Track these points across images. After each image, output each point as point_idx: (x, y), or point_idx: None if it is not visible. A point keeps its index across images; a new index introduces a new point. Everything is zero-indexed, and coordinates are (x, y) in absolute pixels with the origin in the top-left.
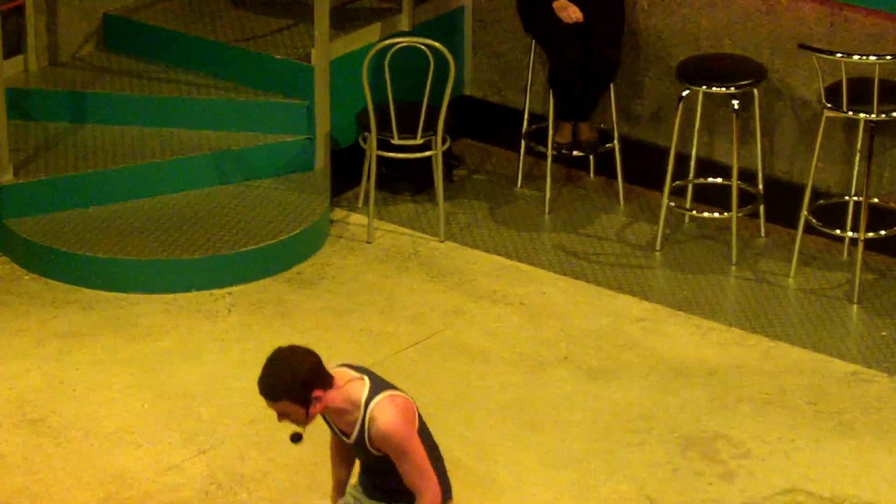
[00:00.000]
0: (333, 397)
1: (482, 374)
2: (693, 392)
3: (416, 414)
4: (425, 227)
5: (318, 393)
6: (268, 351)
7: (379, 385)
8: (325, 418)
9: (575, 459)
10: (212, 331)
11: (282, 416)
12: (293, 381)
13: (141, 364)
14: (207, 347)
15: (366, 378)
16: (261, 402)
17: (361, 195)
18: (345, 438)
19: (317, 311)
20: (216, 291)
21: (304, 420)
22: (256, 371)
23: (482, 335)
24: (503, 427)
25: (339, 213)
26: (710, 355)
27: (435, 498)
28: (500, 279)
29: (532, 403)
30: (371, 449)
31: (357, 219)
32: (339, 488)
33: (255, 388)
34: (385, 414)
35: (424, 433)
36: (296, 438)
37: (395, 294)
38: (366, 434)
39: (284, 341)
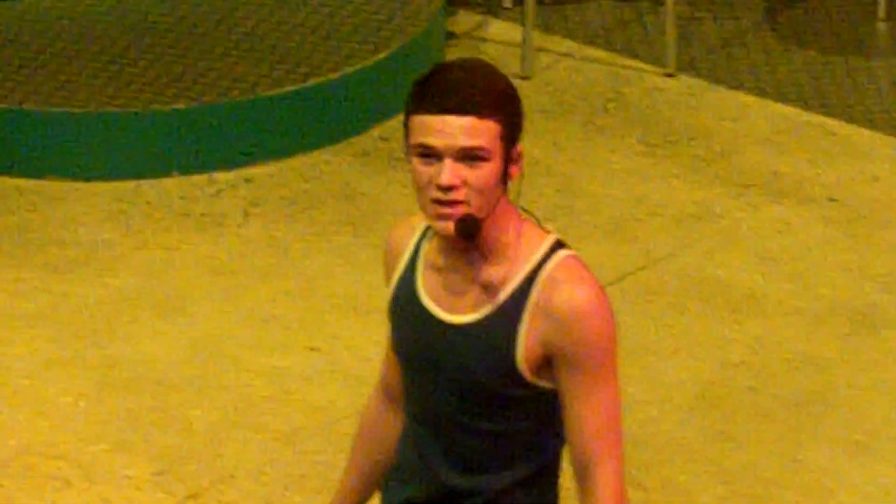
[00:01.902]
0: (508, 211)
1: (756, 341)
2: None
3: None
4: (637, 47)
5: (520, 150)
6: (321, 297)
7: (562, 242)
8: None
9: None
10: (210, 255)
11: (454, 172)
12: (512, 96)
13: (71, 322)
14: (200, 290)
15: (550, 230)
16: (316, 402)
17: None
18: (448, 316)
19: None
20: (221, 175)
21: (492, 190)
22: (294, 338)
23: (753, 263)
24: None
25: (465, 21)
26: None
27: (619, 474)
28: (789, 151)
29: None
30: (516, 345)
31: (502, 31)
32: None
33: (302, 372)
34: (583, 282)
35: None
36: (470, 227)
37: (576, 181)
38: (526, 310)
39: (355, 277)
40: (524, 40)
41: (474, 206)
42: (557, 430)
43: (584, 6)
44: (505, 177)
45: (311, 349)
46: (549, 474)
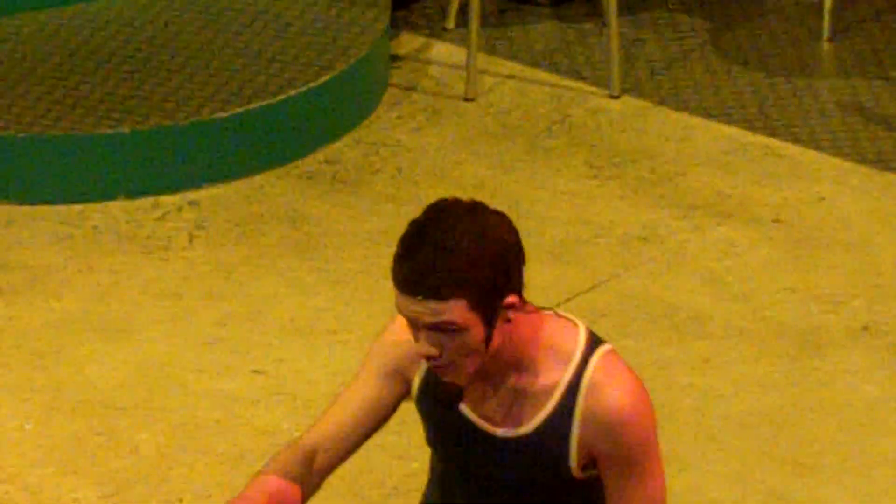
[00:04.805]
0: (526, 325)
1: (703, 362)
2: None
3: None
4: (582, 69)
5: (513, 299)
6: (266, 320)
7: (595, 336)
8: (429, 393)
9: None
10: (155, 279)
11: (430, 343)
12: (483, 263)
13: (17, 346)
14: (146, 313)
15: (577, 322)
16: (262, 425)
17: (453, 7)
18: (492, 428)
19: (364, 239)
20: (166, 199)
21: (479, 352)
22: (240, 361)
23: (699, 284)
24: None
25: (409, 43)
26: None
27: None
28: (733, 172)
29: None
30: (570, 452)
31: (446, 53)
32: None
33: (248, 395)
34: (625, 383)
35: None
36: (454, 397)
37: (521, 203)
38: (575, 418)
39: (300, 300)
40: (468, 62)
41: (463, 368)
42: None
43: (529, 28)
44: (492, 332)
45: (257, 372)
46: None
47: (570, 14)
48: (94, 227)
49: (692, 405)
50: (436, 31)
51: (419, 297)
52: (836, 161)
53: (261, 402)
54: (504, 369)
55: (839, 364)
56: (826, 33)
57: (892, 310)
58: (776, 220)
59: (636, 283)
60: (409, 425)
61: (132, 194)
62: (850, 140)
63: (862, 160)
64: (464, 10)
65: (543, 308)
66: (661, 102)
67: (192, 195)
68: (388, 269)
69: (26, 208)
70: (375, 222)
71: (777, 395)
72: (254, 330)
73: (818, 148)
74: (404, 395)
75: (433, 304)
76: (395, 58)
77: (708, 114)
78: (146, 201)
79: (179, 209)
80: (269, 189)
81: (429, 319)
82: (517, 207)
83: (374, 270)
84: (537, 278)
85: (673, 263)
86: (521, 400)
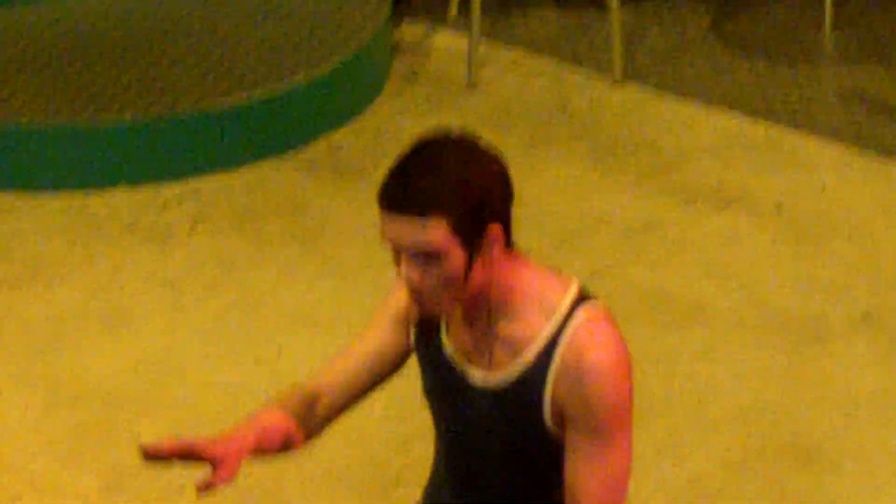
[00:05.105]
0: (513, 270)
1: (704, 352)
2: None
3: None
4: (584, 57)
5: (496, 230)
6: (267, 310)
7: (587, 292)
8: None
9: None
10: (157, 269)
11: (412, 268)
12: (468, 187)
13: (18, 336)
14: (147, 304)
15: (571, 278)
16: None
17: None
18: (473, 374)
19: (366, 230)
20: (167, 189)
21: (458, 282)
22: (241, 352)
23: (700, 274)
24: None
25: (411, 31)
26: None
27: None
28: (735, 160)
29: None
30: (543, 406)
31: (448, 41)
32: (260, 434)
33: (249, 385)
34: (607, 344)
35: None
36: (427, 330)
37: (522, 192)
38: (551, 371)
39: (302, 290)
40: (470, 50)
41: (441, 300)
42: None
43: (531, 16)
44: (471, 264)
45: (258, 362)
46: None
47: (572, 2)
48: (96, 217)
49: (693, 395)
50: (438, 19)
51: (402, 213)
52: (838, 150)
53: (261, 392)
54: (489, 315)
55: (840, 353)
56: (828, 22)
57: (892, 298)
58: (777, 209)
59: (637, 273)
60: (408, 418)
61: (134, 184)
62: (853, 129)
63: (864, 149)
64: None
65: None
66: (663, 90)
67: (193, 185)
68: (390, 259)
69: (27, 198)
70: (377, 212)
71: (778, 385)
72: (255, 320)
73: (820, 136)
74: (408, 343)
75: (415, 221)
76: (397, 46)
77: (710, 102)
78: (148, 191)
79: (181, 199)
80: (271, 178)
81: (410, 240)
82: (519, 196)
83: (375, 260)
84: None
85: (674, 253)
86: (502, 348)
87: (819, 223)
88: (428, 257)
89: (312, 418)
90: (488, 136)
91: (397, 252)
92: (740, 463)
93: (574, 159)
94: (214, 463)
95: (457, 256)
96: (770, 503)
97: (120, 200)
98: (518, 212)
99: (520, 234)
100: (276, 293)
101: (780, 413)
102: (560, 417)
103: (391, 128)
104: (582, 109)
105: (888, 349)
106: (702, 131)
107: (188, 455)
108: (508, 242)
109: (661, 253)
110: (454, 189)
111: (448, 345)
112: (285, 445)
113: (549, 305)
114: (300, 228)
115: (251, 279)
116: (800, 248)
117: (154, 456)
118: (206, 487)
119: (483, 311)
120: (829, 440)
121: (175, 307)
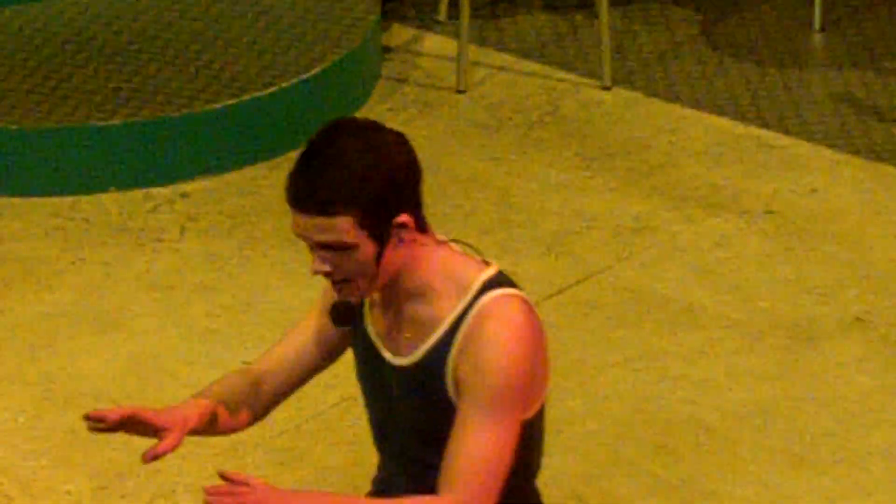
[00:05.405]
0: (427, 253)
1: (695, 354)
2: None
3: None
4: (573, 60)
5: (405, 218)
6: (258, 312)
7: (508, 281)
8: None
9: None
10: (147, 271)
11: (322, 260)
12: (372, 180)
13: (9, 338)
14: (138, 305)
15: (491, 263)
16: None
17: (444, 0)
18: (390, 355)
19: None
20: (158, 191)
21: (370, 269)
22: (232, 353)
23: (691, 276)
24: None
25: (400, 35)
26: None
27: None
28: (725, 163)
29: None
30: (446, 379)
31: (437, 45)
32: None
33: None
34: (515, 318)
35: (539, 421)
36: (342, 314)
37: (513, 195)
38: (456, 343)
39: (292, 291)
40: (459, 54)
41: (360, 285)
42: (514, 467)
43: (520, 20)
44: (382, 252)
45: (249, 364)
46: None
47: (562, 6)
48: (86, 220)
49: (685, 397)
50: (427, 22)
51: (307, 213)
52: (828, 152)
53: None
54: (405, 297)
55: (832, 355)
56: (817, 24)
57: (884, 301)
58: (768, 212)
59: (628, 275)
60: None
61: (124, 186)
62: (842, 131)
63: (854, 151)
64: (455, 2)
65: (460, 243)
66: (653, 94)
67: (183, 187)
68: None
69: (18, 200)
70: None
71: (770, 387)
72: (246, 321)
73: (810, 139)
74: (344, 331)
75: (320, 221)
76: (386, 50)
77: (699, 105)
78: (138, 193)
79: (171, 201)
80: (261, 181)
81: (318, 237)
82: (508, 199)
83: None
84: (529, 270)
85: (665, 255)
86: (415, 328)
87: (809, 225)
88: (338, 250)
89: (257, 401)
90: (479, 140)
91: (307, 243)
92: (732, 464)
93: (564, 162)
94: (159, 433)
95: (367, 246)
96: None
97: (110, 203)
98: (508, 214)
99: (511, 235)
100: (267, 295)
101: (772, 414)
102: (458, 388)
103: None
104: (572, 113)
105: (879, 351)
106: (692, 134)
107: (133, 424)
108: (421, 227)
109: (652, 255)
110: (359, 185)
111: (370, 327)
112: (213, 425)
113: (463, 286)
114: (290, 230)
115: (242, 281)
116: (790, 251)
117: (99, 425)
118: (152, 456)
119: (402, 294)
120: (822, 441)
121: (166, 309)
